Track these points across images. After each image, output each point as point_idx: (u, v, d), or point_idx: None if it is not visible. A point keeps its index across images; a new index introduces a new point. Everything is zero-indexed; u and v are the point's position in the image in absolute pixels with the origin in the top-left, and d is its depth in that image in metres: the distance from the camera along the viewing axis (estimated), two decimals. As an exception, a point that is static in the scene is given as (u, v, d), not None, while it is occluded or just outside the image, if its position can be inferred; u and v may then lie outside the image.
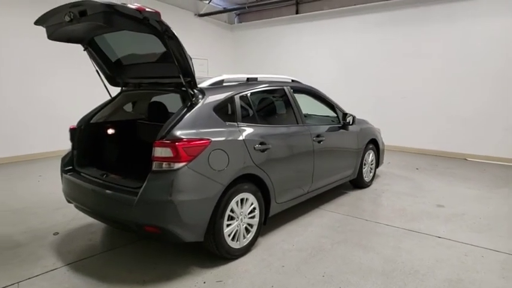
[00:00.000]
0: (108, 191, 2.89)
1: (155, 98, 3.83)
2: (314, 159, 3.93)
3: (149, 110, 3.72)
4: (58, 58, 7.22)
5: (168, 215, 2.65)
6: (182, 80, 2.84)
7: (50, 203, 4.47)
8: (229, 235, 3.01)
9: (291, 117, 3.84)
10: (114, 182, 3.00)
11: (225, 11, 10.44)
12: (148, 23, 2.52)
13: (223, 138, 2.94)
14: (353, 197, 4.90)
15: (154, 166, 2.68)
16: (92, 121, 3.54)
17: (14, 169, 6.30)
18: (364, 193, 5.07)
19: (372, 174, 5.34)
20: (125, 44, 3.36)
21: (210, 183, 2.80)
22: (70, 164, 3.45)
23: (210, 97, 3.04)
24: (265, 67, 10.27)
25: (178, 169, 2.64)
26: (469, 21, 7.07)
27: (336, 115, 4.61)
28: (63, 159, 3.48)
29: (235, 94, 3.25)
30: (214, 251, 2.98)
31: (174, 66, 2.85)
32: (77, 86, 7.58)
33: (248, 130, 3.20)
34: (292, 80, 4.13)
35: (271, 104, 3.92)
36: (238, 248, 3.11)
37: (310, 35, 9.49)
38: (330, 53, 9.13)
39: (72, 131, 3.47)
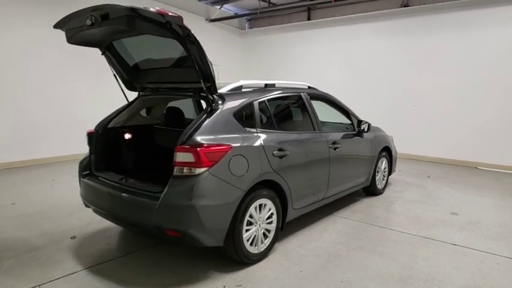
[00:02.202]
0: (128, 196, 2.92)
1: (172, 104, 3.87)
2: (330, 166, 3.94)
3: (166, 115, 3.76)
4: (74, 63, 7.33)
5: (189, 220, 2.66)
6: (203, 85, 2.87)
7: (63, 207, 4.50)
8: (247, 240, 3.01)
9: (308, 123, 3.86)
10: (134, 186, 3.02)
11: (236, 16, 10.52)
12: (171, 28, 2.56)
13: (243, 144, 2.96)
14: (366, 204, 4.89)
15: (176, 171, 2.70)
16: (109, 125, 3.58)
17: (27, 173, 6.36)
18: (377, 200, 5.05)
19: (384, 182, 5.33)
20: (143, 48, 3.41)
21: (230, 189, 2.82)
22: (88, 168, 3.48)
23: (229, 103, 3.07)
24: (276, 73, 10.31)
25: (199, 174, 2.66)
26: (481, 30, 7.10)
27: (350, 122, 4.63)
28: (81, 163, 3.51)
29: (254, 100, 3.28)
30: (233, 256, 2.99)
31: (194, 71, 2.89)
32: (90, 91, 7.68)
33: (267, 136, 3.22)
34: (309, 87, 4.16)
35: (289, 111, 3.94)
36: (256, 253, 3.11)
37: (321, 41, 9.51)
38: (342, 60, 9.13)
39: (90, 135, 3.51)
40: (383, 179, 5.28)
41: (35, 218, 4.14)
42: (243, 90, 3.34)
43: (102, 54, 3.50)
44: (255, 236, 3.08)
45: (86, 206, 3.47)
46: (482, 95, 7.15)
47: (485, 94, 7.13)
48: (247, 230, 3.00)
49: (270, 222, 3.23)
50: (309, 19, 9.75)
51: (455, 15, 7.38)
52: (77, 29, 2.92)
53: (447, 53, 7.52)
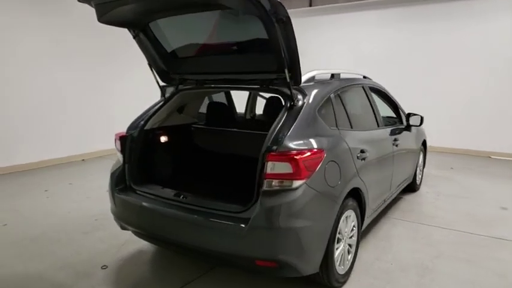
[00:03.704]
0: (199, 218, 2.31)
1: (216, 98, 3.26)
2: (393, 164, 3.54)
3: (213, 113, 3.14)
4: (58, 52, 6.28)
5: (287, 245, 2.13)
6: (287, 76, 2.29)
7: (72, 226, 3.73)
8: (336, 260, 2.53)
9: (372, 119, 3.41)
10: (200, 204, 2.41)
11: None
12: (256, 1, 1.97)
13: (334, 147, 2.46)
14: (410, 201, 4.55)
15: (266, 185, 2.14)
16: (146, 127, 2.90)
17: (10, 183, 5.30)
18: (418, 196, 4.75)
19: (420, 177, 5.04)
20: (187, 31, 2.78)
21: (328, 203, 2.32)
22: (123, 182, 2.80)
23: (312, 97, 2.53)
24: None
25: (296, 188, 2.13)
26: (491, 18, 6.98)
27: (396, 115, 4.24)
28: (112, 174, 2.83)
29: (331, 93, 2.76)
30: (323, 282, 2.49)
31: (270, 58, 2.34)
32: (79, 83, 6.56)
33: (348, 136, 2.73)
34: (364, 77, 3.68)
35: (357, 104, 3.45)
36: (343, 274, 2.64)
37: (325, 29, 8.97)
38: (348, 48, 8.64)
39: (123, 139, 2.82)
40: (419, 174, 4.98)
41: (42, 243, 3.35)
42: (316, 81, 2.81)
43: (134, 38, 2.80)
44: (342, 254, 2.61)
45: (123, 228, 2.80)
46: (498, 83, 7.06)
47: (500, 83, 7.05)
48: (336, 249, 2.52)
49: (351, 236, 2.76)
50: (310, 5, 9.21)
51: (464, 3, 7.15)
52: (112, 4, 2.26)
53: (461, 42, 7.31)
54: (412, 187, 4.77)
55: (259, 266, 2.18)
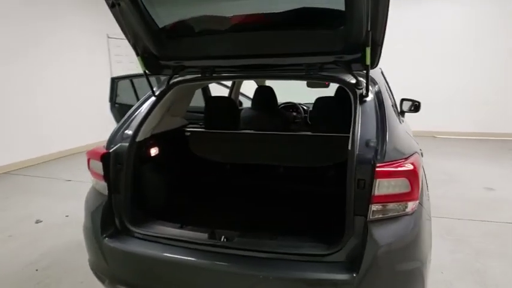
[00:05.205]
0: (270, 269, 1.54)
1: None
2: None
3: (222, 111, 2.33)
4: None
5: None
6: (367, 56, 1.62)
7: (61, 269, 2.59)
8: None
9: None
10: (259, 247, 1.64)
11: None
12: None
13: (418, 148, 1.92)
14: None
15: (375, 212, 1.50)
16: (138, 138, 1.98)
17: None
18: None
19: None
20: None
21: (430, 223, 1.78)
22: (111, 222, 1.87)
23: (379, 85, 1.95)
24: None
25: (413, 212, 1.54)
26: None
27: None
28: (93, 214, 1.86)
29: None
30: None
31: (328, 34, 1.70)
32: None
33: (408, 131, 2.23)
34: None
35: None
36: None
37: None
38: None
39: (105, 159, 1.87)
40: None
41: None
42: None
43: (111, 7, 1.83)
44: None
45: None
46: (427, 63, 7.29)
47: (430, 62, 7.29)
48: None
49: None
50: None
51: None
52: None
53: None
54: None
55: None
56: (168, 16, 1.98)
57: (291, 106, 3.97)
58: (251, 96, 3.84)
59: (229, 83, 4.00)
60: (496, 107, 7.28)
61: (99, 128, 7.02)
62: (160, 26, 1.99)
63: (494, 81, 7.24)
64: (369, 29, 1.49)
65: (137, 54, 2.01)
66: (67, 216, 3.74)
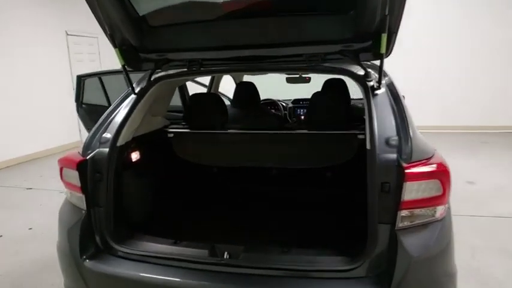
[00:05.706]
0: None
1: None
2: None
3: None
4: None
5: None
6: (382, 44, 1.46)
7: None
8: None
9: None
10: (269, 264, 1.44)
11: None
12: None
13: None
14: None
15: (404, 219, 1.35)
16: (119, 142, 1.72)
17: None
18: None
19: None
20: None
21: None
22: (92, 241, 1.61)
23: (389, 76, 1.84)
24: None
25: (442, 218, 1.42)
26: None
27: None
28: (70, 232, 1.59)
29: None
30: None
31: (335, 20, 1.55)
32: None
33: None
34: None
35: None
36: None
37: None
38: None
39: (82, 167, 1.61)
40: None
41: None
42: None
43: None
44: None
45: None
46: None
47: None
48: None
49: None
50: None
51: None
52: None
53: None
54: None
55: None
56: (150, 2, 1.75)
57: (270, 103, 3.80)
58: (228, 94, 3.66)
59: (206, 81, 3.75)
60: (462, 99, 7.51)
61: (59, 131, 6.57)
62: (141, 13, 1.75)
63: (460, 71, 7.45)
64: (386, 13, 1.34)
65: (114, 47, 1.75)
66: (30, 228, 3.36)
